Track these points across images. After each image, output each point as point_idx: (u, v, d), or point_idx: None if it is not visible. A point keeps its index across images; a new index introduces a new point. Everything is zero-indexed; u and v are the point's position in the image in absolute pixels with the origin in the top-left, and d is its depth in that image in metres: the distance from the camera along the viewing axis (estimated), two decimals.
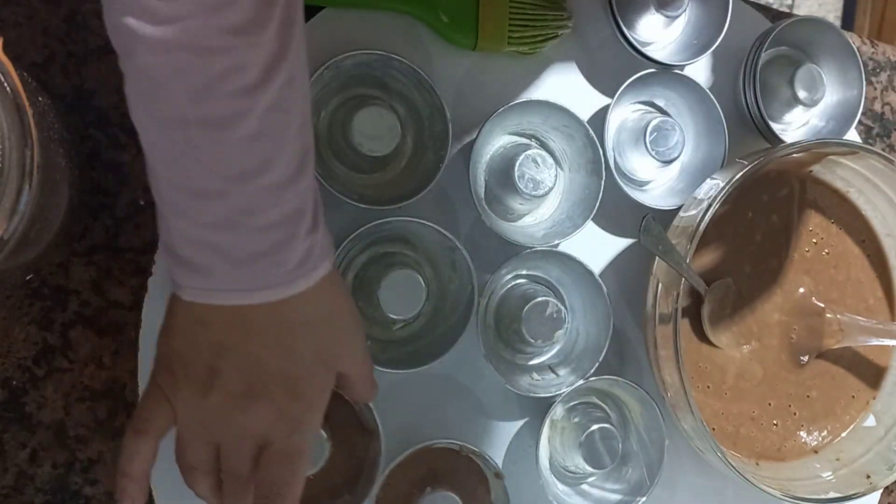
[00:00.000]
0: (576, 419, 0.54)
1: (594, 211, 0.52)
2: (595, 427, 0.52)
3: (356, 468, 0.50)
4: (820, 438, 0.58)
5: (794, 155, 0.53)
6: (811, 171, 0.57)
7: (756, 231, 0.56)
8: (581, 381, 0.52)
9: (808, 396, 0.57)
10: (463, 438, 0.51)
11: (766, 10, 0.61)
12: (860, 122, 0.62)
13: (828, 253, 0.57)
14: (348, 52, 0.48)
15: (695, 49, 0.56)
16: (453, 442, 0.51)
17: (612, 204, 0.54)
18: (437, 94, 0.50)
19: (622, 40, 0.55)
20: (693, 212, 0.52)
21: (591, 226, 0.55)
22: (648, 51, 0.55)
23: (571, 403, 0.55)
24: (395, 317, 0.49)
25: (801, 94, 0.57)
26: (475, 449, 0.51)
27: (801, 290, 0.57)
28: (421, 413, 0.53)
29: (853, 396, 0.58)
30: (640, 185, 0.58)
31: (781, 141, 0.57)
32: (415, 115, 0.52)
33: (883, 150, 0.60)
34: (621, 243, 0.57)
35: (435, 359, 0.50)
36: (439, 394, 0.54)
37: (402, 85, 0.51)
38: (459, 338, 0.50)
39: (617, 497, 0.54)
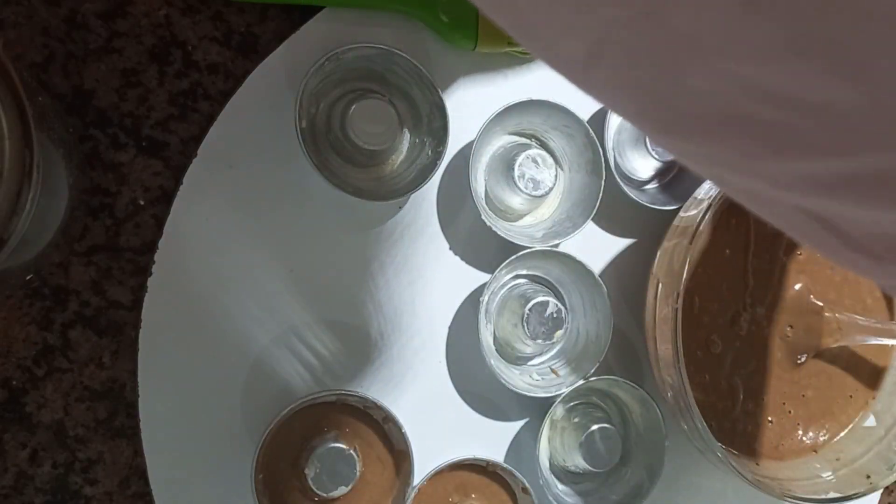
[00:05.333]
0: (576, 419, 0.55)
1: (594, 211, 0.52)
2: (595, 427, 0.52)
3: (387, 488, 0.50)
4: (818, 438, 0.58)
5: None
6: None
7: (750, 231, 0.56)
8: (581, 381, 0.52)
9: (803, 396, 0.57)
10: (464, 439, 0.51)
11: None
12: None
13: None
14: (350, 44, 0.48)
15: None
16: (480, 459, 0.51)
17: (612, 204, 0.54)
18: (437, 91, 0.50)
19: None
20: (693, 212, 0.52)
21: (591, 226, 0.55)
22: None
23: (571, 403, 0.55)
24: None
25: None
26: (503, 464, 0.51)
27: (798, 286, 0.56)
28: (422, 418, 0.53)
29: (851, 396, 0.58)
30: (640, 185, 0.58)
31: None
32: (414, 111, 0.52)
33: None
34: (621, 243, 0.57)
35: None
36: (440, 394, 0.54)
37: (403, 80, 0.51)
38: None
39: (617, 497, 0.54)
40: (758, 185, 0.25)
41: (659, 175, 0.58)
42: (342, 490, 0.47)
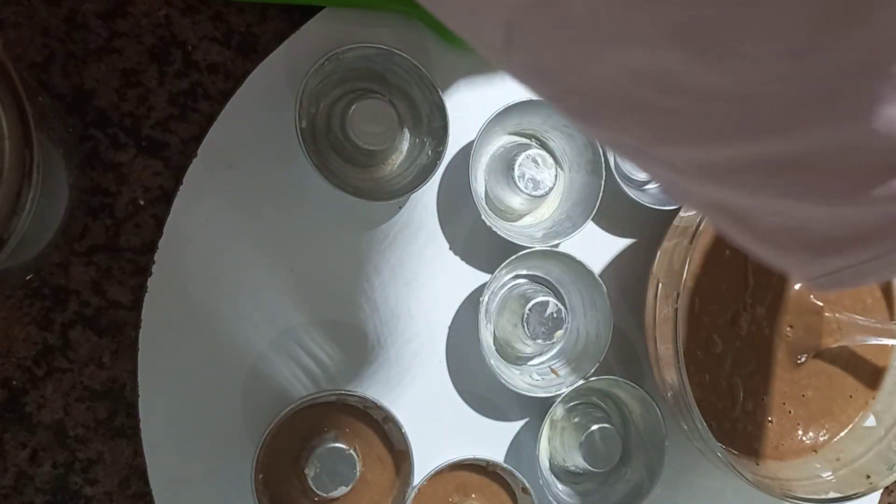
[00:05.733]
0: (576, 419, 0.55)
1: (594, 211, 0.52)
2: (595, 427, 0.52)
3: (387, 488, 0.50)
4: (818, 438, 0.58)
5: None
6: None
7: None
8: (581, 381, 0.52)
9: (803, 396, 0.57)
10: (464, 439, 0.51)
11: None
12: None
13: None
14: (350, 44, 0.48)
15: None
16: (480, 459, 0.51)
17: (612, 204, 0.54)
18: (437, 91, 0.50)
19: None
20: (693, 212, 0.52)
21: (591, 226, 0.55)
22: None
23: (572, 403, 0.55)
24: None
25: None
26: (503, 464, 0.51)
27: (798, 286, 0.56)
28: (422, 418, 0.53)
29: (851, 396, 0.58)
30: (640, 185, 0.58)
31: None
32: (414, 111, 0.52)
33: None
34: (621, 243, 0.57)
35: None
36: (440, 394, 0.54)
37: (403, 80, 0.51)
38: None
39: (617, 497, 0.54)
40: (667, 174, 0.25)
41: None
42: (342, 490, 0.47)
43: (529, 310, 0.51)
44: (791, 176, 0.22)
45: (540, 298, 0.51)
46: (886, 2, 0.18)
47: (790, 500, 0.51)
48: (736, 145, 0.22)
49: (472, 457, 0.51)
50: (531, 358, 0.55)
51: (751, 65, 0.20)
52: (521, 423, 0.55)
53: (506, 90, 0.54)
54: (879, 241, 0.23)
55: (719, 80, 0.20)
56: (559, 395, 0.52)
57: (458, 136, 0.52)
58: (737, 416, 0.56)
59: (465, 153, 0.53)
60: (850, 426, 0.58)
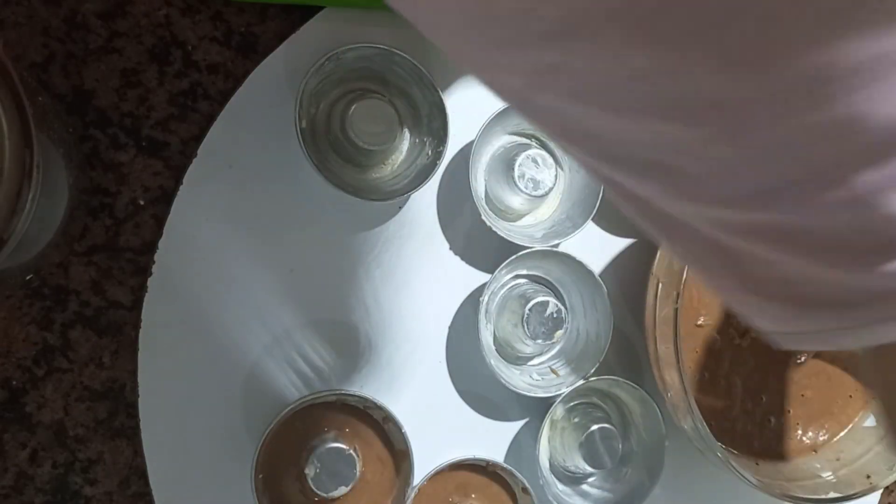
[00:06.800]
0: (576, 419, 0.55)
1: (594, 211, 0.52)
2: (595, 427, 0.52)
3: (387, 488, 0.50)
4: (818, 438, 0.58)
5: None
6: None
7: None
8: (581, 381, 0.52)
9: (802, 395, 0.57)
10: (464, 439, 0.51)
11: None
12: None
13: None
14: (350, 44, 0.48)
15: None
16: (480, 459, 0.51)
17: (612, 204, 0.54)
18: (437, 91, 0.50)
19: None
20: None
21: (591, 226, 0.55)
22: None
23: (572, 403, 0.55)
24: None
25: None
26: (503, 464, 0.51)
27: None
28: (422, 418, 0.53)
29: (851, 396, 0.58)
30: None
31: None
32: (414, 110, 0.52)
33: None
34: (621, 243, 0.57)
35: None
36: (440, 394, 0.54)
37: (403, 80, 0.51)
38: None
39: (617, 497, 0.54)
40: (678, 216, 0.26)
41: None
42: (342, 490, 0.47)
43: (529, 310, 0.51)
44: (807, 240, 0.23)
45: (540, 298, 0.51)
46: (846, 84, 0.20)
47: (790, 500, 0.51)
48: (746, 211, 0.23)
49: (472, 457, 0.51)
50: (531, 358, 0.55)
51: (760, 138, 0.21)
52: (521, 423, 0.55)
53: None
54: (870, 308, 0.24)
55: (726, 151, 0.22)
56: (559, 395, 0.52)
57: (458, 136, 0.52)
58: (736, 416, 0.56)
59: (465, 153, 0.53)
60: (850, 426, 0.58)
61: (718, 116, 0.21)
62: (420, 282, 0.53)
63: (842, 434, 0.58)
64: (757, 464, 0.56)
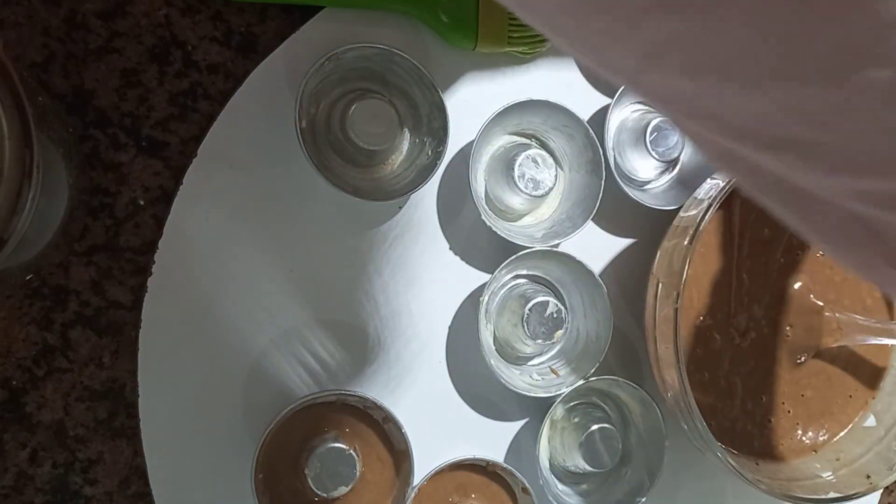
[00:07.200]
0: (576, 419, 0.55)
1: (594, 211, 0.52)
2: (595, 427, 0.52)
3: (387, 488, 0.50)
4: (818, 438, 0.58)
5: None
6: None
7: (747, 230, 0.56)
8: (581, 381, 0.52)
9: (802, 395, 0.57)
10: (464, 439, 0.51)
11: None
12: None
13: (823, 253, 0.58)
14: (350, 44, 0.48)
15: None
16: (480, 459, 0.51)
17: (612, 204, 0.54)
18: (437, 91, 0.50)
19: None
20: (693, 212, 0.52)
21: (591, 226, 0.55)
22: None
23: (571, 403, 0.55)
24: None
25: None
26: (503, 464, 0.51)
27: (798, 286, 0.56)
28: (422, 418, 0.53)
29: (851, 396, 0.58)
30: (640, 185, 0.58)
31: None
32: (414, 111, 0.52)
33: None
34: (621, 243, 0.57)
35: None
36: (440, 394, 0.54)
37: (402, 80, 0.51)
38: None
39: (617, 497, 0.54)
40: (814, 190, 0.25)
41: (659, 175, 0.58)
42: (342, 490, 0.47)
43: (529, 310, 0.51)
44: None
45: (540, 298, 0.51)
46: None
47: (790, 500, 0.51)
48: (892, 180, 0.22)
49: (472, 457, 0.51)
50: (531, 358, 0.55)
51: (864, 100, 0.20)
52: (521, 423, 0.55)
53: (506, 90, 0.54)
54: None
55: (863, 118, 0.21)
56: (559, 395, 0.52)
57: (458, 136, 0.52)
58: (736, 416, 0.56)
59: (465, 153, 0.53)
60: (850, 426, 0.58)
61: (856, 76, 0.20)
62: (420, 282, 0.53)
63: (842, 434, 0.58)
64: (757, 464, 0.56)
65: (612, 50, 0.24)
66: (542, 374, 0.55)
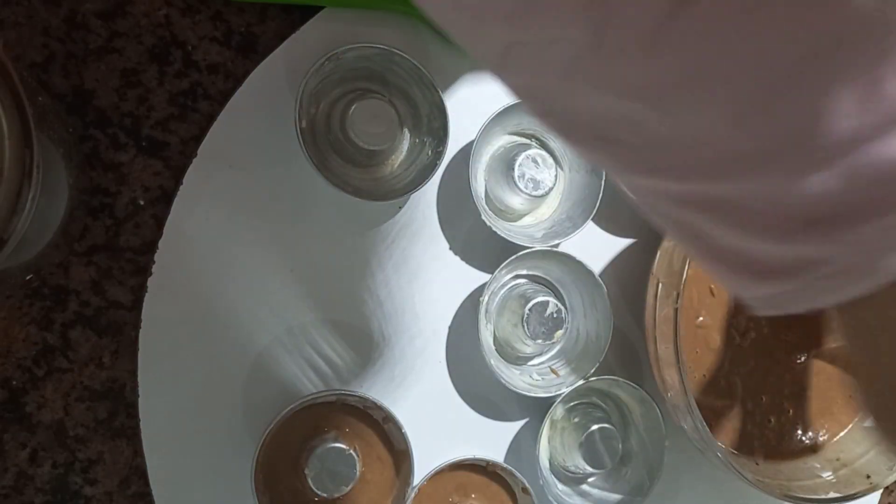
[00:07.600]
0: (576, 419, 0.55)
1: (594, 211, 0.52)
2: (595, 427, 0.52)
3: (387, 488, 0.50)
4: (818, 438, 0.58)
5: None
6: None
7: None
8: (581, 381, 0.52)
9: (802, 395, 0.57)
10: (464, 439, 0.51)
11: None
12: None
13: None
14: (350, 44, 0.48)
15: None
16: (480, 459, 0.51)
17: (612, 204, 0.54)
18: (437, 91, 0.50)
19: None
20: None
21: (591, 226, 0.55)
22: None
23: (572, 403, 0.55)
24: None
25: None
26: (503, 464, 0.51)
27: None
28: (422, 418, 0.53)
29: (850, 396, 0.58)
30: None
31: None
32: (414, 111, 0.52)
33: None
34: (621, 243, 0.57)
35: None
36: (440, 394, 0.54)
37: (402, 80, 0.51)
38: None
39: (617, 497, 0.54)
40: (633, 194, 0.29)
41: None
42: (342, 490, 0.47)
43: (529, 310, 0.51)
44: (733, 213, 0.26)
45: (540, 298, 0.51)
46: (813, 82, 0.22)
47: (790, 500, 0.51)
48: (687, 183, 0.26)
49: (472, 457, 0.51)
50: (531, 358, 0.55)
51: (699, 123, 0.24)
52: (521, 423, 0.55)
53: (506, 90, 0.54)
54: (799, 275, 0.26)
55: (672, 131, 0.24)
56: (559, 395, 0.52)
57: (458, 136, 0.52)
58: (736, 416, 0.56)
59: (465, 153, 0.53)
60: (850, 426, 0.58)
61: (651, 96, 0.24)
62: (420, 282, 0.53)
63: (842, 434, 0.58)
64: (757, 464, 0.56)
65: (480, 45, 0.28)
66: (542, 374, 0.55)
